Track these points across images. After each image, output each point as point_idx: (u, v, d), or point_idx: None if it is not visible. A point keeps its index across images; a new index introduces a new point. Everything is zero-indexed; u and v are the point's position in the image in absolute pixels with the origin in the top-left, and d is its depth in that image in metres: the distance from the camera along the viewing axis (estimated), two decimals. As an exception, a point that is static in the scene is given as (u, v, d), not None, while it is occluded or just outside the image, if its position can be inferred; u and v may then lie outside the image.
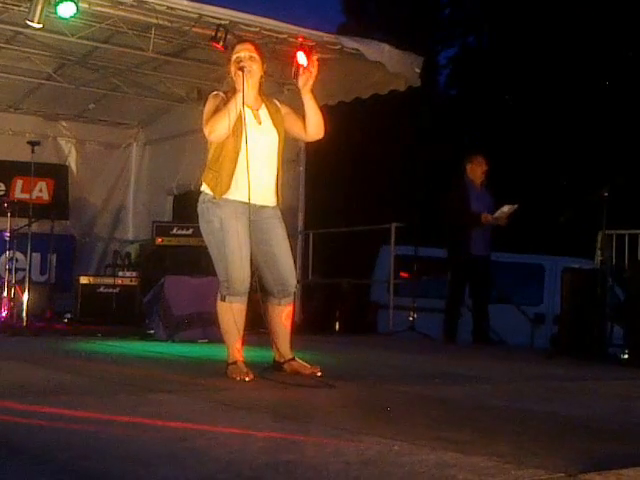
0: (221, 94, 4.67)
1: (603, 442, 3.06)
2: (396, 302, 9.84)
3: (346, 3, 26.25)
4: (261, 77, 4.71)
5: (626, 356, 6.56)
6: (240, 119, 4.51)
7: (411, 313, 9.75)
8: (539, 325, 11.29)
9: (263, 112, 4.70)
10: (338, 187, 19.20)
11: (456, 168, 9.02)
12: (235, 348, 4.54)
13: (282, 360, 4.75)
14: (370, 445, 2.77)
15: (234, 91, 4.57)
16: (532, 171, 18.56)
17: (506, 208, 8.24)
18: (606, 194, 7.36)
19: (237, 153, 4.50)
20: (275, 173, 4.66)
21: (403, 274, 10.93)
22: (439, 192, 9.92)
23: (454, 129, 20.79)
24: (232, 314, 4.52)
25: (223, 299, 4.54)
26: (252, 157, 4.51)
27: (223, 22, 8.61)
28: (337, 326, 10.16)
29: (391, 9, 23.49)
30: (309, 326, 9.69)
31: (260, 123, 4.64)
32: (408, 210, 13.79)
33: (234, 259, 4.46)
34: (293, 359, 4.75)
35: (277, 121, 4.70)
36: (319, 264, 11.01)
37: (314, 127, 4.74)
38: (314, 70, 4.64)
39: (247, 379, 4.37)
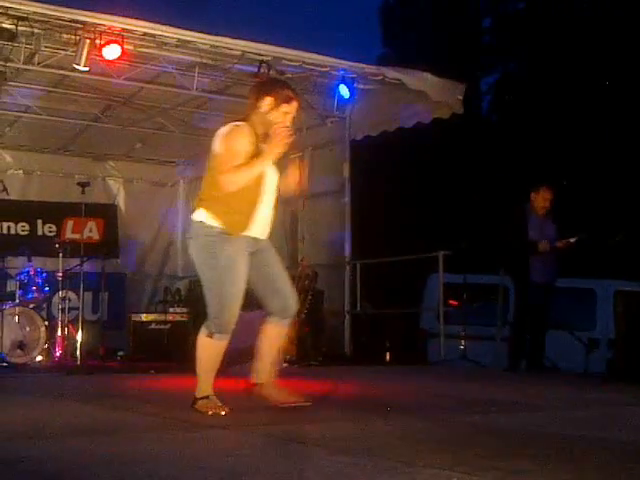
0: (246, 131, 4.59)
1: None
2: (446, 330, 9.77)
3: (385, 34, 26.42)
4: None
5: (684, 379, 6.44)
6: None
7: (461, 341, 9.66)
8: (593, 350, 11.10)
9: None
10: (384, 216, 19.18)
11: (505, 195, 8.98)
12: (208, 382, 4.46)
13: (260, 382, 4.60)
14: (427, 477, 2.75)
15: (264, 132, 4.53)
16: (578, 195, 18.37)
17: (572, 239, 8.21)
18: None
19: (257, 196, 4.44)
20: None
21: (452, 302, 10.85)
22: (486, 218, 9.86)
23: (499, 155, 20.69)
24: (214, 350, 4.45)
25: (210, 336, 4.42)
26: (265, 195, 4.49)
27: (266, 58, 8.72)
28: (387, 356, 10.09)
29: (431, 38, 23.55)
30: (359, 357, 9.63)
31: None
32: (455, 237, 13.72)
33: (233, 301, 4.39)
34: (270, 382, 4.60)
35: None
36: (367, 294, 10.97)
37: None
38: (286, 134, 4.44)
39: (223, 413, 4.32)
